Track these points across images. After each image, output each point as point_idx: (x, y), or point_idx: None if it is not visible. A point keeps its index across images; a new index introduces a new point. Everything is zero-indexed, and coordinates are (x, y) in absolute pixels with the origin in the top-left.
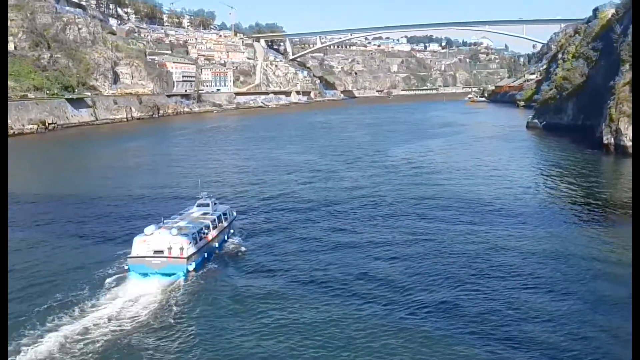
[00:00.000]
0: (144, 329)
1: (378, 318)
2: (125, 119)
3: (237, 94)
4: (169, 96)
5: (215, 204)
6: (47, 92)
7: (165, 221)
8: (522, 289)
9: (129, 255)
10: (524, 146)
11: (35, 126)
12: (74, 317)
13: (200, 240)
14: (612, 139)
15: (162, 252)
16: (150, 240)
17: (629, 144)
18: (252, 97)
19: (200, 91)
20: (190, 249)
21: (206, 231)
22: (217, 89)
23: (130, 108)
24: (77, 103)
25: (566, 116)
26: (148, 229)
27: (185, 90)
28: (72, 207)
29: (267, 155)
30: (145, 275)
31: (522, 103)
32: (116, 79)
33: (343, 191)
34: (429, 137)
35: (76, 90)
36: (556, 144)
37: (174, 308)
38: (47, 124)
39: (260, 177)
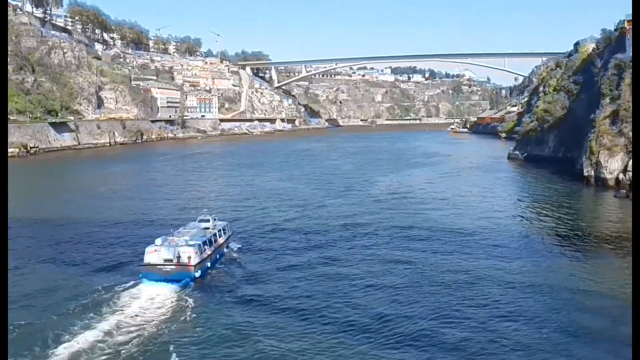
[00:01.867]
0: (159, 327)
1: (354, 344)
2: (108, 144)
3: (222, 120)
4: (153, 121)
5: (215, 219)
6: (30, 115)
7: (174, 233)
8: (501, 319)
9: (141, 264)
10: (505, 177)
11: (17, 150)
12: (96, 319)
13: (204, 251)
14: (593, 171)
15: (171, 260)
16: (161, 250)
17: (609, 176)
18: (237, 123)
19: (184, 117)
20: (196, 258)
21: (209, 243)
22: (202, 115)
23: (114, 133)
24: (60, 127)
25: (547, 148)
26: (158, 240)
27: (170, 116)
28: (63, 229)
29: (250, 182)
30: (156, 281)
31: (503, 134)
32: (100, 103)
33: (325, 218)
34: (412, 166)
35: (59, 114)
36: (537, 175)
37: (183, 310)
38: (28, 148)
39: (243, 203)
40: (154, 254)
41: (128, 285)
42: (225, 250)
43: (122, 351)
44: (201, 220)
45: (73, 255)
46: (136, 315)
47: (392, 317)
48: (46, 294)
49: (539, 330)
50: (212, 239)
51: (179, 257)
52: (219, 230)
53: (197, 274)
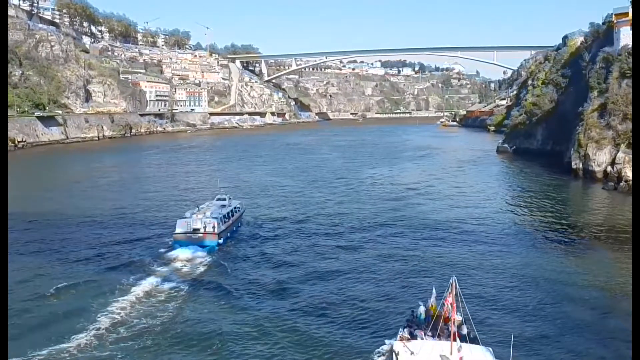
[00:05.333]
0: (194, 280)
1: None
2: (96, 138)
3: (212, 114)
4: (142, 115)
5: (230, 198)
6: (18, 109)
7: (200, 207)
8: (490, 310)
9: (173, 233)
10: (494, 170)
11: None
12: (145, 276)
13: (224, 223)
14: (581, 164)
15: (199, 230)
16: (189, 221)
17: (597, 169)
18: (227, 117)
19: (174, 111)
20: (219, 228)
21: (228, 217)
22: (192, 109)
23: (102, 127)
24: (48, 121)
25: (536, 141)
26: (188, 213)
27: (159, 110)
28: (79, 218)
29: (242, 175)
30: (186, 247)
31: (492, 128)
32: (88, 97)
33: (315, 212)
34: (402, 160)
35: (47, 108)
36: (526, 168)
37: (211, 269)
38: (16, 142)
39: (240, 193)
40: (184, 225)
41: (164, 250)
42: (240, 224)
43: (168, 297)
44: (219, 199)
45: (105, 236)
46: (179, 269)
47: (377, 304)
48: (104, 258)
49: (528, 320)
50: (230, 214)
51: (205, 227)
52: (234, 207)
53: (221, 241)
